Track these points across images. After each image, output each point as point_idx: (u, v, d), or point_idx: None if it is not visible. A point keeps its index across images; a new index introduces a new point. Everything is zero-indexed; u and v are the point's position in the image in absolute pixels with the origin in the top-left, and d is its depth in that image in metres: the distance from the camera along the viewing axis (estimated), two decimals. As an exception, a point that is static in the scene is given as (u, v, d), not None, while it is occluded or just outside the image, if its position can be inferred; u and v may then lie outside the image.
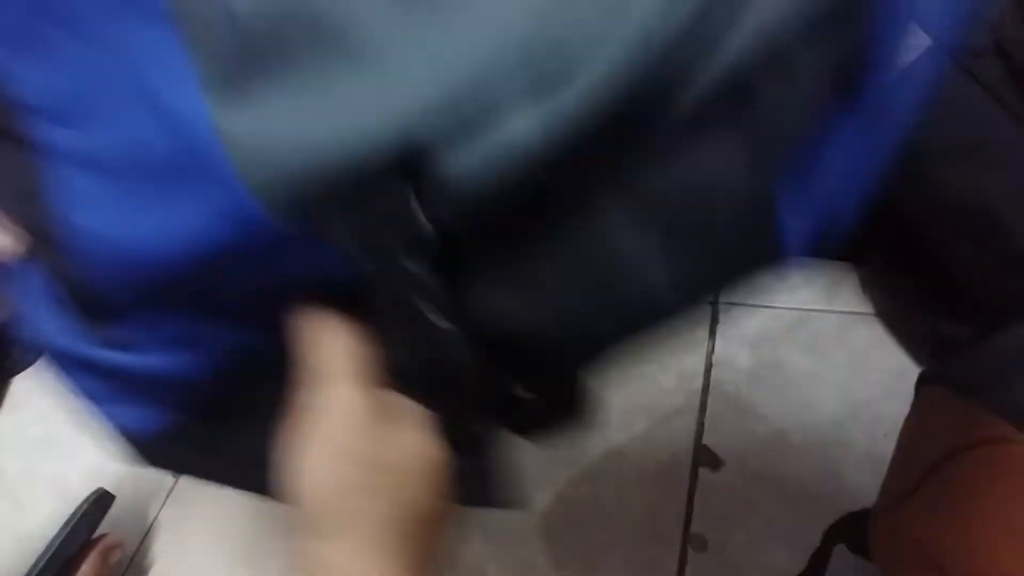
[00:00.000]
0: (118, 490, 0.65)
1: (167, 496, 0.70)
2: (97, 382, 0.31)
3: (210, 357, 0.30)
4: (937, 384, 0.46)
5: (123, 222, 0.25)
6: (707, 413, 0.67)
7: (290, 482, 0.29)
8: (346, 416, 0.29)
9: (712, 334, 0.73)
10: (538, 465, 0.64)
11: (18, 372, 0.82)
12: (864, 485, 0.54)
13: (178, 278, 0.26)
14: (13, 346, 0.83)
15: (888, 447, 0.51)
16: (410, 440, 0.30)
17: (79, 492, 0.64)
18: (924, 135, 0.58)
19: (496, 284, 0.28)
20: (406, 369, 0.29)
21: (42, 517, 0.64)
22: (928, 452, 0.44)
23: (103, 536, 0.64)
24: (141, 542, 0.68)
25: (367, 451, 0.29)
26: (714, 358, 0.71)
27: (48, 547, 0.60)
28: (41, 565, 0.60)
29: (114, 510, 0.64)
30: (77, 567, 0.61)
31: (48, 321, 0.30)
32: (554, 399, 0.32)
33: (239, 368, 0.31)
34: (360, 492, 0.29)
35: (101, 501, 0.64)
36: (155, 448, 0.34)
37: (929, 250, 0.62)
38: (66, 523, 0.62)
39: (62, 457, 0.75)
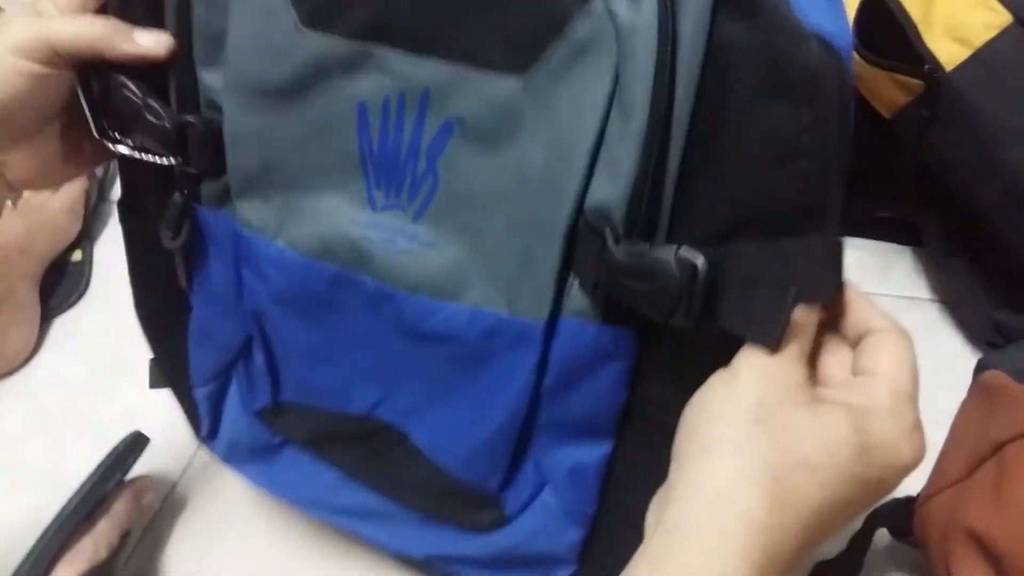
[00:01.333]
0: (153, 433, 0.65)
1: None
2: None
3: None
4: (996, 371, 0.45)
5: None
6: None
7: None
8: None
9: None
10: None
11: (60, 312, 0.83)
12: (910, 471, 0.52)
13: None
14: (57, 286, 0.84)
15: (937, 433, 0.49)
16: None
17: (116, 434, 0.64)
18: (995, 116, 0.56)
19: None
20: None
21: (78, 457, 0.64)
22: (984, 439, 0.43)
23: (137, 478, 0.64)
24: (175, 486, 0.68)
25: None
26: (758, 337, 0.69)
27: (82, 486, 0.61)
28: (75, 503, 0.60)
29: (148, 453, 0.65)
30: (110, 507, 0.61)
31: None
32: None
33: None
34: None
35: (136, 444, 0.64)
36: None
37: (994, 235, 0.60)
38: (101, 463, 0.62)
39: (100, 399, 0.76)
